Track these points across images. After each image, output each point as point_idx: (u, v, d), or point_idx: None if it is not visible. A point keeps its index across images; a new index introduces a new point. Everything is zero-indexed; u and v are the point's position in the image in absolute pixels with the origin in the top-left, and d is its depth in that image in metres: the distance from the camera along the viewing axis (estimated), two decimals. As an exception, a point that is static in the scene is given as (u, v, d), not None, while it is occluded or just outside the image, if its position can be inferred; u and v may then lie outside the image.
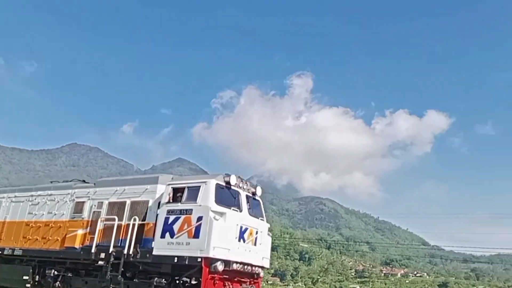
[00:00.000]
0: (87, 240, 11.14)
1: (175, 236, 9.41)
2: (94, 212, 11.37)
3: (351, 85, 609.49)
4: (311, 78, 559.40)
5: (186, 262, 9.09)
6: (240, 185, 10.55)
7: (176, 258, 9.23)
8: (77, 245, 11.23)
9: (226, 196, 10.01)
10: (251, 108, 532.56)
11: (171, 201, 9.94)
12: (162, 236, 9.60)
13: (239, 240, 9.82)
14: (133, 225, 10.13)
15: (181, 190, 9.95)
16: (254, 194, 11.12)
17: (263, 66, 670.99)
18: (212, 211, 9.30)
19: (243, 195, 10.49)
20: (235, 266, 9.51)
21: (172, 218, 9.60)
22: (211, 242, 8.94)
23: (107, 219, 10.87)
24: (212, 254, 8.94)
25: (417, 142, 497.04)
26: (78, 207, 11.85)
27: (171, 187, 10.14)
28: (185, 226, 9.38)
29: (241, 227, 9.90)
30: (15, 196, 13.70)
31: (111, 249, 10.23)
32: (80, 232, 11.40)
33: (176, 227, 9.49)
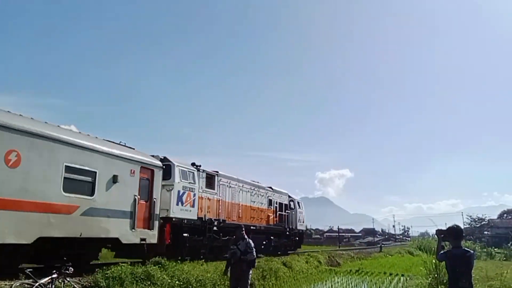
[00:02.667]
0: (276, 220, 22.74)
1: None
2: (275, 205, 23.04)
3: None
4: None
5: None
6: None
7: None
8: (271, 223, 22.21)
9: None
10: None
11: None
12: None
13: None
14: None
15: None
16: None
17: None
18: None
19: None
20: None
21: None
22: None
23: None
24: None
25: None
26: (270, 201, 22.41)
27: None
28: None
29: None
30: (243, 187, 19.77)
31: (286, 225, 23.93)
32: (271, 216, 22.29)
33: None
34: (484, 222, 79.27)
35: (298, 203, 25.93)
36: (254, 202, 20.54)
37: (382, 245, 44.50)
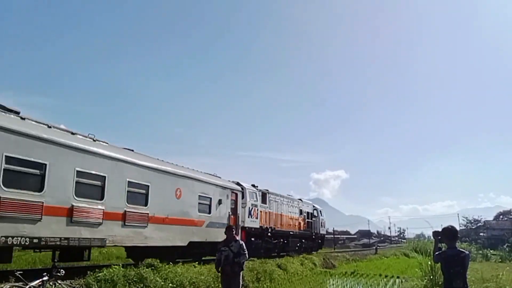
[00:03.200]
0: (305, 226, 28.16)
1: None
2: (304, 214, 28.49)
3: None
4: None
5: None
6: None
7: None
8: (302, 228, 27.61)
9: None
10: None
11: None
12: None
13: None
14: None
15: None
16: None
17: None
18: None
19: None
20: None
21: None
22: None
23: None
24: None
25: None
26: (301, 211, 27.80)
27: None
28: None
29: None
30: (283, 200, 25.09)
31: (312, 230, 29.61)
32: (302, 223, 27.71)
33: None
34: (480, 224, 79.57)
35: (320, 211, 31.75)
36: (291, 212, 26.05)
37: (378, 247, 44.50)
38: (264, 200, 22.47)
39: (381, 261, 30.09)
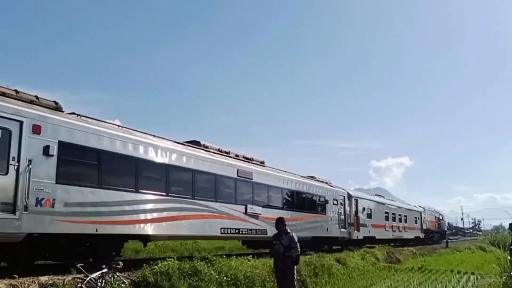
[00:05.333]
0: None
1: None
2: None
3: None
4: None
5: None
6: None
7: None
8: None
9: None
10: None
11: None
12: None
13: None
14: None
15: None
16: None
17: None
18: None
19: None
20: None
21: None
22: None
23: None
24: None
25: None
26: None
27: None
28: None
29: None
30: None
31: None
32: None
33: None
34: None
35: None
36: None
37: (449, 240, 41.40)
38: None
39: (452, 256, 27.83)
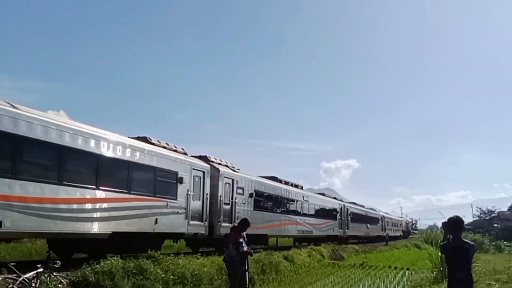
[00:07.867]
0: None
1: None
2: None
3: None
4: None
5: None
6: None
7: None
8: None
9: None
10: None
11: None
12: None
13: None
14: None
15: None
16: None
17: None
18: None
19: None
20: None
21: None
22: None
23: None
24: None
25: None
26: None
27: None
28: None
29: None
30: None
31: None
32: None
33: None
34: (494, 215, 78.00)
35: None
36: None
37: (388, 238, 44.07)
38: None
39: (391, 253, 29.68)
